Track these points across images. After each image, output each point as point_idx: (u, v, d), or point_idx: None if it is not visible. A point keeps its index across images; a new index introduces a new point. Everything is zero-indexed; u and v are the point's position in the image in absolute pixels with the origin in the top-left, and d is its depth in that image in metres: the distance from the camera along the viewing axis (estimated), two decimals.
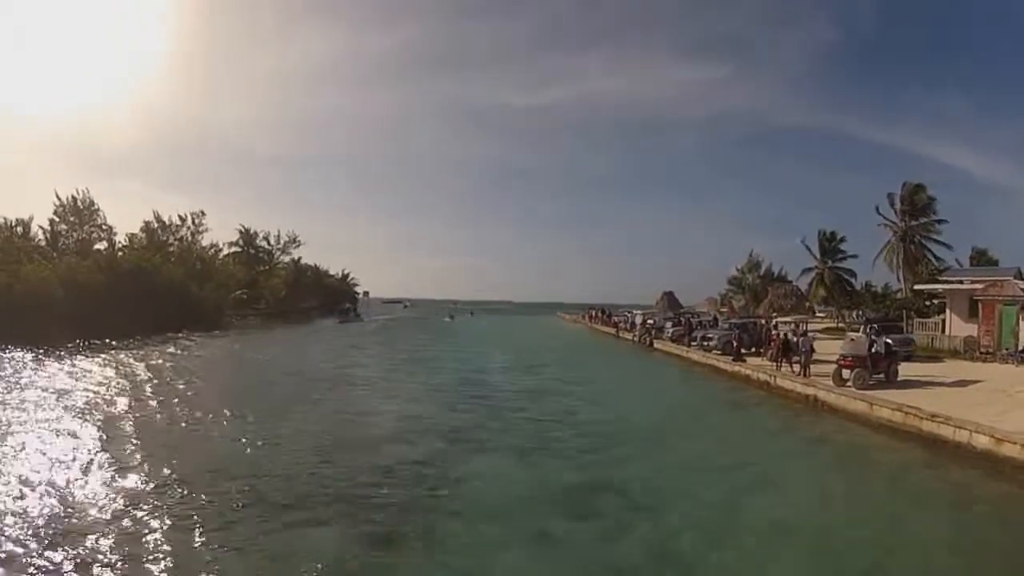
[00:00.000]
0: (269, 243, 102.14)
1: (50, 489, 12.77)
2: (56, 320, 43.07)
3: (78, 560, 9.63)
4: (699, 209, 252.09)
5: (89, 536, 10.47)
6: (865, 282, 65.64)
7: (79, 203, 70.70)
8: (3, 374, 27.75)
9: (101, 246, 69.66)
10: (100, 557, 9.79)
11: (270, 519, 11.52)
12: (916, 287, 47.35)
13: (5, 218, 64.28)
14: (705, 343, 41.35)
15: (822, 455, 18.29)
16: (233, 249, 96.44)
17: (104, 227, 72.50)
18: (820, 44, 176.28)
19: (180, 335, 50.17)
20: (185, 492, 12.78)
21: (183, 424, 19.51)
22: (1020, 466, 15.22)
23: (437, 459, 16.19)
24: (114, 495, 12.56)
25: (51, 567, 9.41)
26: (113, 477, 13.81)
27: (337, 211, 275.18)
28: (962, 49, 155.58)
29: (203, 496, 12.58)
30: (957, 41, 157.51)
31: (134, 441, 17.08)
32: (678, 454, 17.98)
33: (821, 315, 68.66)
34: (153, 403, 22.51)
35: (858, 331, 31.66)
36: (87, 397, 23.10)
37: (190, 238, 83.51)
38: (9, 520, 11.01)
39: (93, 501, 12.20)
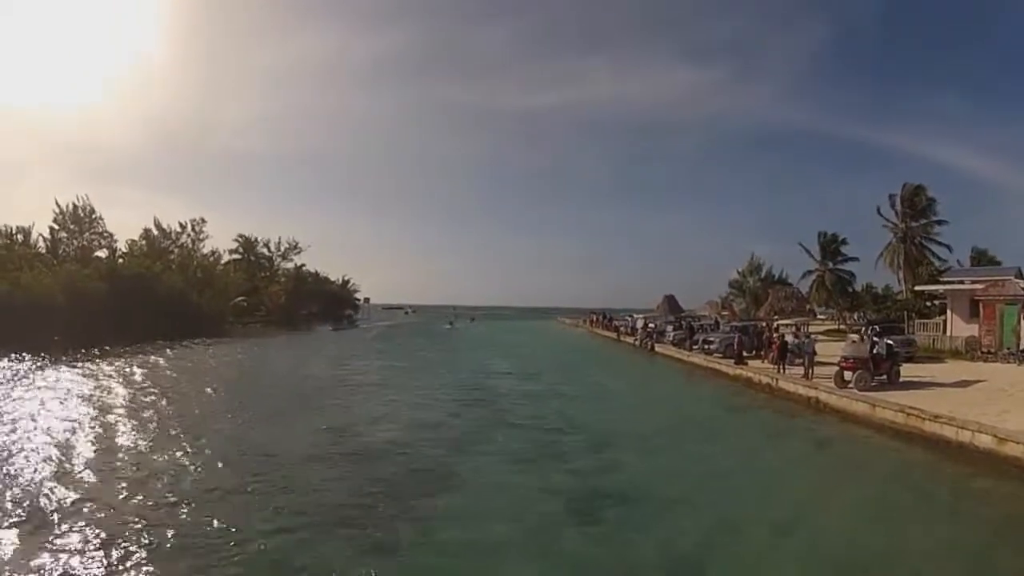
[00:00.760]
0: (269, 250, 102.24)
1: (40, 497, 12.75)
2: (56, 328, 43.25)
3: (64, 565, 9.65)
4: (699, 212, 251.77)
5: (76, 542, 10.48)
6: (866, 284, 65.75)
7: (79, 210, 71.00)
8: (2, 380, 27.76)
9: (101, 253, 70.03)
10: (87, 562, 9.79)
11: (266, 526, 11.48)
12: (917, 288, 47.39)
13: (6, 225, 64.67)
14: (706, 347, 41.42)
15: (824, 457, 18.32)
16: (233, 256, 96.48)
17: (104, 234, 72.98)
18: (819, 45, 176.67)
19: (180, 343, 50.01)
20: (175, 500, 12.74)
21: (175, 431, 19.31)
22: (1022, 465, 15.19)
23: (438, 466, 16.11)
24: (104, 500, 12.53)
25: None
26: (105, 483, 13.81)
27: (336, 214, 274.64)
28: (961, 49, 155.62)
29: (195, 502, 12.58)
30: (956, 41, 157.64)
31: (127, 448, 17.12)
32: (680, 458, 17.98)
33: (822, 317, 68.63)
34: (148, 411, 22.32)
35: (859, 333, 31.63)
36: (83, 404, 23.08)
37: (191, 245, 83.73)
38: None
39: (80, 506, 12.19)
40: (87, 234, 71.67)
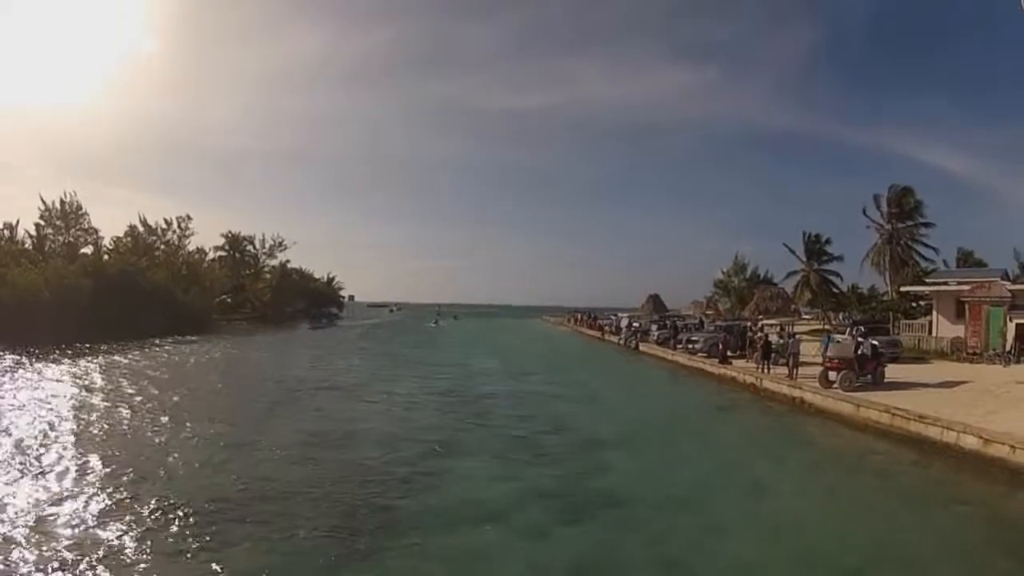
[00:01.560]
0: (255, 247, 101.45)
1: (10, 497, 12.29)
2: (42, 324, 42.70)
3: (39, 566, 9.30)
4: (686, 212, 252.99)
5: (54, 547, 10.02)
6: (851, 284, 65.69)
7: (66, 206, 70.18)
8: None
9: (87, 250, 69.22)
10: (66, 565, 9.42)
11: (246, 529, 11.09)
12: (903, 289, 47.31)
13: None
14: (691, 346, 41.22)
15: (808, 457, 18.04)
16: (219, 253, 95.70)
17: (90, 231, 72.15)
18: (808, 48, 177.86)
19: (165, 340, 49.49)
20: (155, 502, 12.21)
21: (157, 430, 18.80)
22: (1008, 467, 15.03)
23: (423, 466, 15.68)
24: (85, 502, 12.09)
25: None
26: (85, 483, 13.32)
27: (323, 212, 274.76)
28: (949, 52, 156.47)
29: (175, 506, 12.05)
30: (944, 44, 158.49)
31: (107, 447, 16.54)
32: (664, 457, 17.73)
33: (807, 317, 68.62)
34: (126, 410, 21.65)
35: (844, 333, 31.46)
36: (66, 401, 22.53)
37: (176, 242, 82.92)
38: None
39: (59, 508, 11.72)
40: (73, 230, 70.80)
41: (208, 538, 10.54)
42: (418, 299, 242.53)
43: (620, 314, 71.69)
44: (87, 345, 41.38)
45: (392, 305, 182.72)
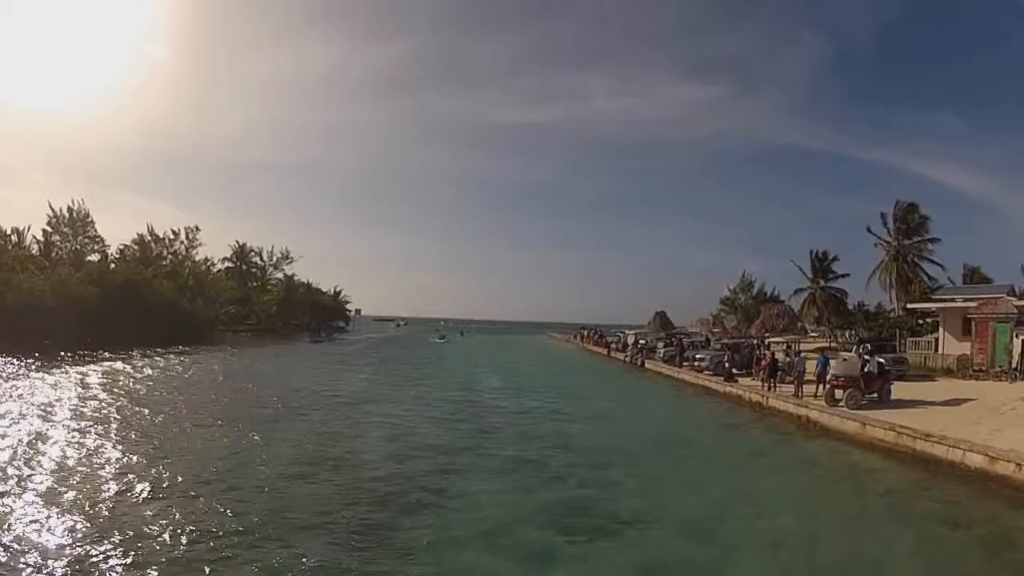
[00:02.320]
0: (262, 259, 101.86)
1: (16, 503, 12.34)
2: (47, 330, 43.02)
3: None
4: (693, 228, 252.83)
5: (46, 560, 9.96)
6: (858, 301, 65.48)
7: (74, 214, 70.63)
8: None
9: (94, 258, 69.86)
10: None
11: (246, 541, 11.06)
12: (909, 306, 47.20)
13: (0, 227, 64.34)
14: (697, 363, 41.16)
15: (814, 475, 17.97)
16: (226, 264, 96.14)
17: (97, 239, 72.63)
18: (816, 63, 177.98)
19: (169, 349, 49.79)
20: (155, 511, 12.26)
21: (158, 439, 18.88)
22: (1014, 484, 15.00)
23: (426, 483, 15.67)
24: (86, 510, 12.12)
25: None
26: (87, 492, 13.31)
27: (331, 225, 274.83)
28: (956, 67, 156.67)
29: (179, 515, 12.12)
30: (952, 59, 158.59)
31: (110, 454, 16.65)
32: (669, 477, 17.61)
33: (814, 335, 68.40)
34: (128, 418, 21.88)
35: (851, 351, 31.41)
36: (66, 408, 22.71)
37: (184, 252, 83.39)
38: None
39: (49, 520, 11.64)
40: (80, 238, 71.30)
41: (205, 555, 10.52)
42: (424, 313, 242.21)
43: (626, 331, 71.57)
44: (90, 353, 41.62)
45: (398, 319, 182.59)
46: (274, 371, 43.01)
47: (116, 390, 27.73)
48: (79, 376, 31.13)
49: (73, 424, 20.18)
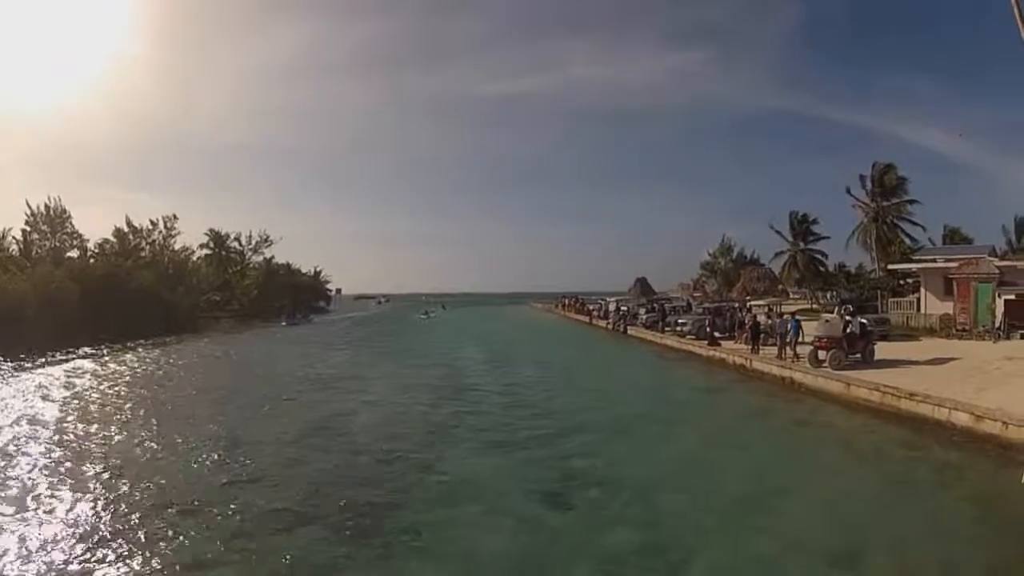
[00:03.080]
0: (240, 244, 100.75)
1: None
2: (31, 330, 42.21)
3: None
4: (673, 195, 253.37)
5: (54, 544, 10.03)
6: (838, 263, 65.75)
7: (51, 211, 69.45)
8: None
9: (73, 254, 68.99)
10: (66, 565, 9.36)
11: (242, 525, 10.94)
12: (890, 267, 47.29)
13: None
14: (679, 328, 41.07)
15: (800, 437, 17.91)
16: (204, 251, 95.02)
17: (75, 235, 71.48)
18: (795, 28, 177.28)
19: (152, 340, 49.36)
20: (140, 501, 12.16)
21: (148, 434, 18.46)
22: (1000, 443, 14.92)
23: (417, 451, 15.82)
24: (80, 504, 12.00)
25: None
26: (81, 485, 13.17)
27: (310, 205, 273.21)
28: (935, 30, 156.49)
29: (170, 502, 12.01)
30: (930, 22, 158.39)
31: (102, 448, 16.56)
32: (656, 442, 17.45)
33: (795, 297, 68.69)
34: (119, 412, 21.61)
35: (832, 312, 31.35)
36: (52, 407, 22.30)
37: (162, 242, 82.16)
38: None
39: (52, 508, 11.68)
40: (59, 235, 70.18)
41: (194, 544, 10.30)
42: (406, 289, 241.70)
43: (608, 298, 71.50)
44: (74, 350, 41.03)
45: (380, 297, 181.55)
46: (239, 361, 41.94)
47: (89, 390, 26.75)
48: (56, 377, 30.19)
49: (52, 425, 19.61)
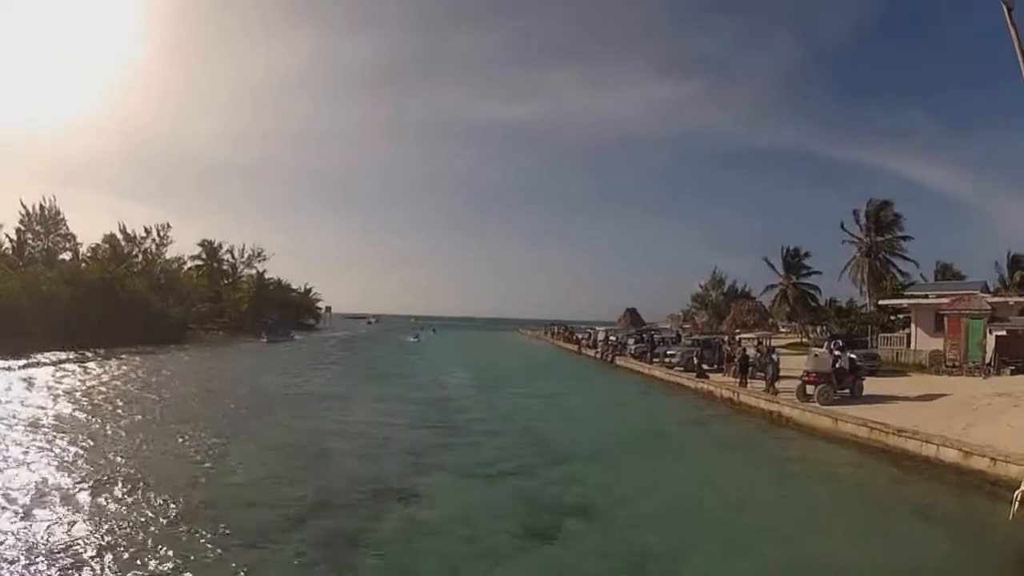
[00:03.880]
0: (233, 256, 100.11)
1: None
2: (20, 331, 41.91)
3: None
4: (664, 226, 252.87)
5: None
6: (829, 298, 65.72)
7: (45, 212, 69.09)
8: None
9: (66, 256, 68.58)
10: None
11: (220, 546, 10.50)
12: (881, 302, 47.22)
13: None
14: (668, 360, 40.80)
15: (787, 471, 17.55)
16: (196, 262, 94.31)
17: (68, 236, 71.00)
18: (791, 62, 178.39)
19: (141, 349, 49.02)
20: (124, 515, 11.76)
21: (129, 442, 18.14)
22: (989, 479, 14.70)
23: (398, 480, 15.28)
24: (54, 513, 11.68)
25: None
26: (57, 494, 12.84)
27: (300, 223, 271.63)
28: (929, 67, 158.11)
29: (145, 518, 11.62)
30: (924, 59, 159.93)
31: (82, 457, 16.15)
32: (640, 473, 17.27)
33: (785, 331, 68.58)
34: (99, 421, 21.21)
35: (822, 347, 31.19)
36: (36, 410, 22.12)
37: (154, 250, 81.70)
38: None
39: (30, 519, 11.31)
40: (52, 236, 69.78)
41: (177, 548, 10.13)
42: (396, 311, 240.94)
43: (597, 328, 71.26)
44: (63, 353, 40.78)
45: (370, 317, 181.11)
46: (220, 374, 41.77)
47: (77, 395, 26.45)
48: (43, 379, 30.02)
49: (32, 431, 19.17)
